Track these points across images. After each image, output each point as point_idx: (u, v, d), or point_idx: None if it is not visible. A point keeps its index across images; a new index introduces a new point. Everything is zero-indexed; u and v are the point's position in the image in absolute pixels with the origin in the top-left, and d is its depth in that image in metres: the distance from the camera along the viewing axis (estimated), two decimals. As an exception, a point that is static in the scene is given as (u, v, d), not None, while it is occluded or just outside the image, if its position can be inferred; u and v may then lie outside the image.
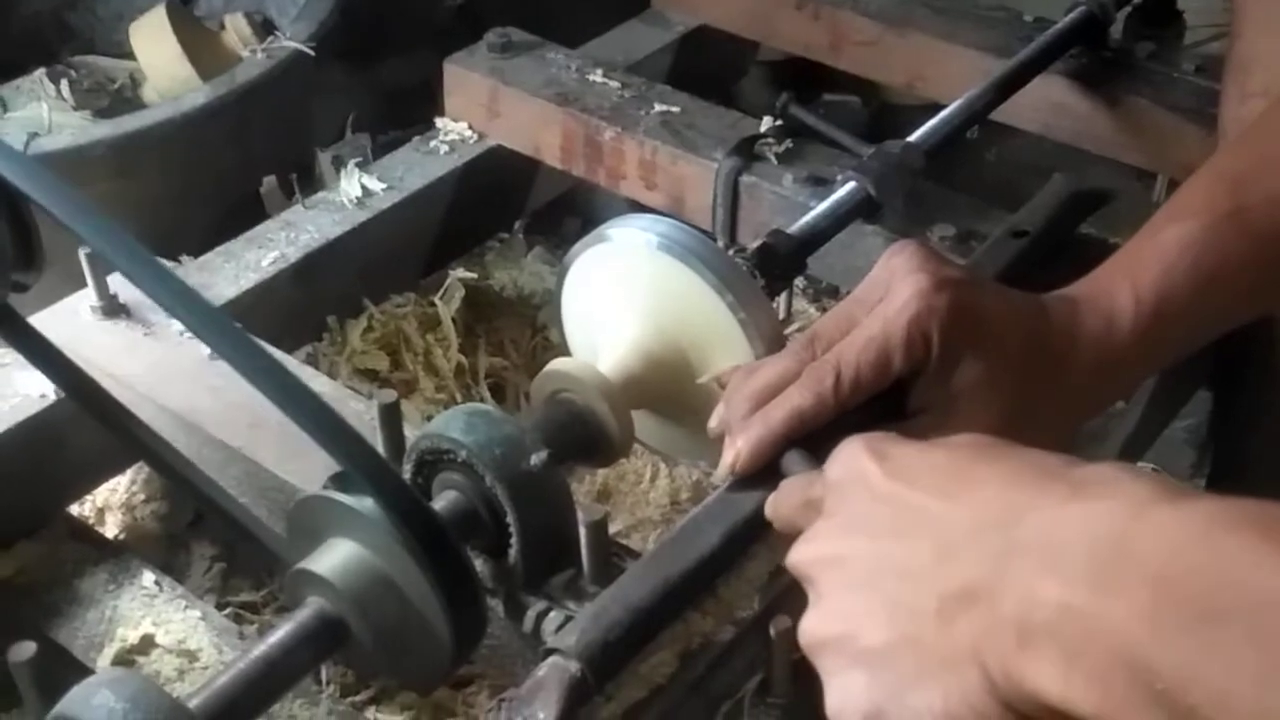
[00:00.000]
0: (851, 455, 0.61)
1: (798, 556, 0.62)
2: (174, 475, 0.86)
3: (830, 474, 0.62)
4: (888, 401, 0.74)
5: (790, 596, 0.76)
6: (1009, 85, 1.11)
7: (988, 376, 0.73)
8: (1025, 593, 0.49)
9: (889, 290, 0.74)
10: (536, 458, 0.74)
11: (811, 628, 0.59)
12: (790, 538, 0.67)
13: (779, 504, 0.69)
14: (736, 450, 0.73)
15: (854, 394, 0.72)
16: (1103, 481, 0.51)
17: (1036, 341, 0.74)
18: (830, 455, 0.63)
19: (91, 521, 1.07)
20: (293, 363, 1.01)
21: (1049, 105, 1.23)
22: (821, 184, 1.07)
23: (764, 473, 0.73)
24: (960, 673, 0.52)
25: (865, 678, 0.56)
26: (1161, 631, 0.45)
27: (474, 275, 1.32)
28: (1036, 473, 0.54)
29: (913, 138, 1.03)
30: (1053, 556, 0.49)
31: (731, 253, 0.86)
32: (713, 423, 0.76)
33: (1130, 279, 0.76)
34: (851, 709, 0.56)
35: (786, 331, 0.88)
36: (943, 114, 1.07)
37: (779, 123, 1.15)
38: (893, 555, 0.56)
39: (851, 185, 0.98)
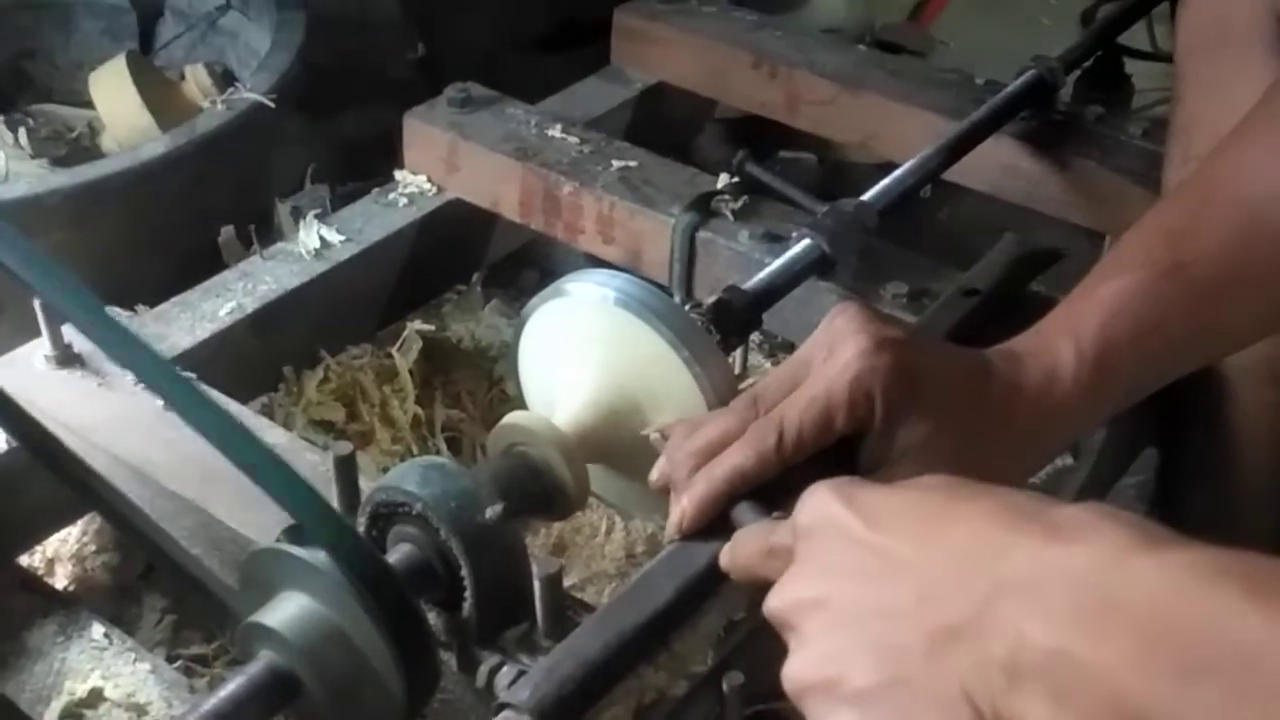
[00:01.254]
0: (820, 501, 0.62)
1: (776, 602, 0.61)
2: (126, 526, 0.86)
3: (800, 520, 0.62)
4: (836, 460, 0.74)
5: (744, 651, 0.76)
6: (960, 146, 1.13)
7: (932, 433, 0.74)
8: (1012, 634, 0.50)
9: (831, 351, 0.74)
10: (491, 511, 0.73)
11: (797, 672, 0.59)
12: (752, 588, 0.67)
13: (736, 553, 0.70)
14: (682, 508, 0.74)
15: (796, 452, 0.73)
16: (1080, 525, 0.51)
17: (979, 397, 0.75)
18: (798, 502, 0.63)
19: (41, 572, 1.06)
20: (248, 414, 1.01)
21: (999, 166, 1.24)
22: (777, 240, 1.08)
23: (714, 527, 0.73)
24: (951, 711, 0.52)
25: (854, 719, 0.56)
26: (1148, 681, 0.45)
27: (431, 327, 1.32)
28: (1012, 513, 0.54)
29: (866, 196, 1.04)
30: (1037, 598, 0.50)
31: (687, 308, 0.87)
32: (653, 475, 0.77)
33: (1072, 332, 0.77)
34: None
35: (742, 386, 0.89)
36: (896, 173, 1.08)
37: (735, 179, 1.15)
38: (875, 597, 0.57)
39: (806, 242, 0.99)
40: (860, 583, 0.58)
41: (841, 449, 0.75)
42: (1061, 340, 0.77)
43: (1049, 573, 0.50)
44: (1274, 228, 0.78)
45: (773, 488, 0.73)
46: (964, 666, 0.52)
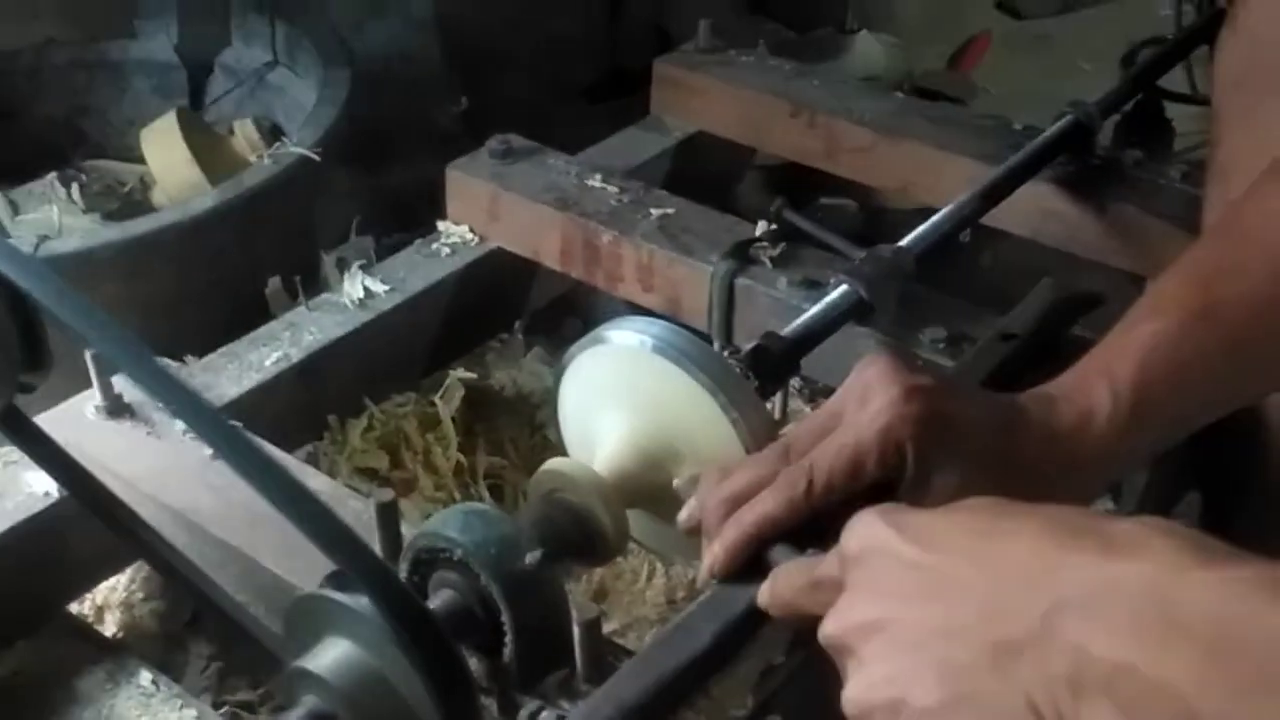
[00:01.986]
0: (869, 527, 0.62)
1: (832, 628, 0.62)
2: (173, 574, 0.87)
3: (848, 547, 0.63)
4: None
5: (782, 695, 0.76)
6: (998, 191, 1.13)
7: (965, 480, 0.74)
8: (1075, 649, 0.50)
9: (863, 401, 0.75)
10: (531, 557, 0.74)
11: (859, 695, 0.59)
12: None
13: (777, 590, 0.70)
14: (714, 554, 0.74)
15: (825, 498, 0.73)
16: (1135, 540, 0.52)
17: (1012, 442, 0.75)
18: (844, 530, 0.63)
19: (90, 620, 1.07)
20: (292, 462, 1.01)
21: (1039, 211, 1.24)
22: (815, 287, 1.08)
23: (749, 571, 0.74)
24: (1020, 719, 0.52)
25: None
26: (1215, 698, 0.46)
27: (474, 375, 1.32)
28: (1066, 529, 0.55)
29: (904, 242, 1.05)
30: (1097, 614, 0.50)
31: (725, 354, 0.87)
32: (681, 516, 0.78)
33: (1107, 375, 0.77)
34: None
35: (781, 432, 0.89)
36: (933, 219, 1.08)
37: (773, 227, 1.16)
38: (933, 617, 0.57)
39: (844, 288, 1.00)
40: (917, 604, 0.58)
41: (873, 496, 0.75)
42: (1097, 383, 0.77)
43: (1107, 589, 0.51)
44: None
45: (803, 534, 0.73)
46: (1029, 681, 0.52)
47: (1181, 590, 0.49)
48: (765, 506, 0.74)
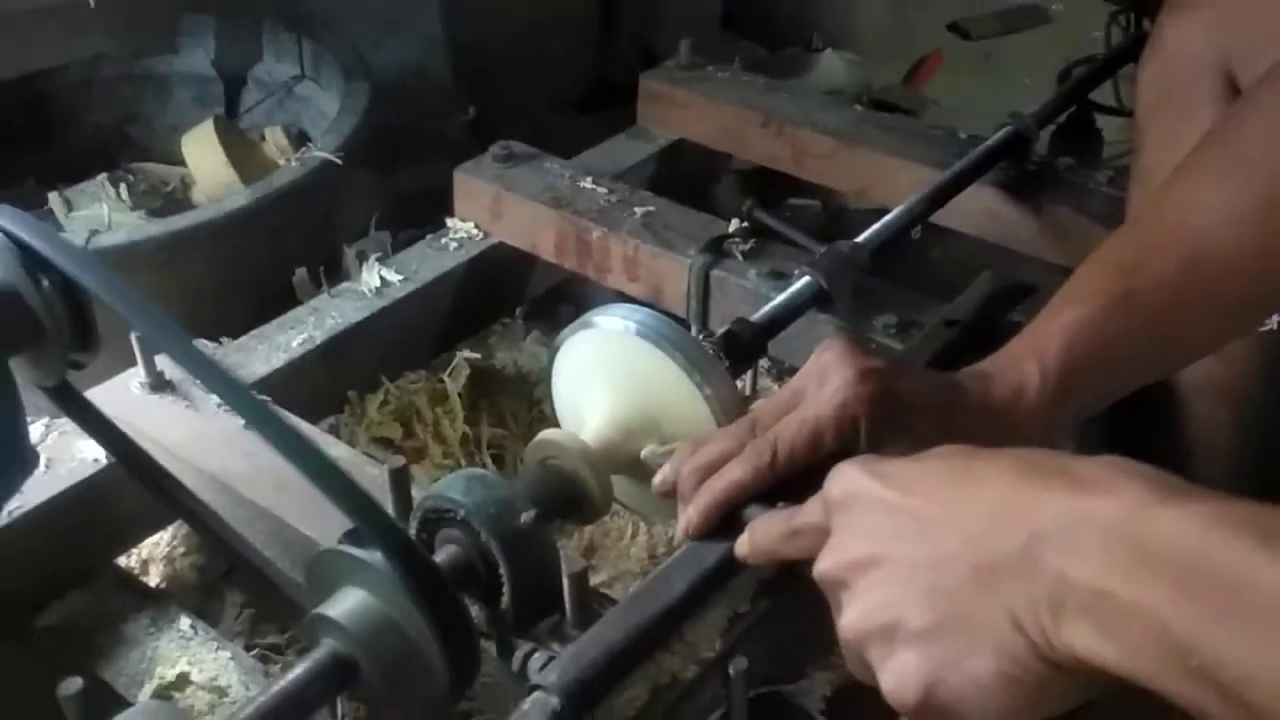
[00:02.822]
0: (850, 476, 0.62)
1: (825, 565, 0.61)
2: (208, 531, 0.87)
3: (832, 494, 0.63)
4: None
5: (748, 639, 0.77)
6: (944, 194, 1.14)
7: (912, 449, 0.74)
8: (1055, 575, 0.50)
9: (821, 380, 0.75)
10: (526, 516, 0.74)
11: (854, 622, 0.59)
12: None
13: (756, 539, 0.70)
14: (689, 516, 0.75)
15: (788, 467, 0.74)
16: (1099, 479, 0.52)
17: (953, 415, 0.76)
18: (826, 480, 0.63)
19: (136, 572, 1.07)
20: (315, 432, 1.02)
21: (982, 211, 1.24)
22: (781, 278, 1.09)
23: (718, 530, 0.74)
24: (1006, 641, 0.53)
25: (917, 657, 0.56)
26: (1188, 624, 0.46)
27: (478, 356, 1.32)
28: (1035, 469, 0.55)
29: (860, 238, 1.05)
30: (1072, 545, 0.50)
31: (701, 338, 0.88)
32: (655, 481, 0.78)
33: (1036, 355, 0.77)
34: (909, 686, 0.56)
35: (750, 407, 0.90)
36: (887, 218, 1.09)
37: (745, 224, 1.16)
38: (921, 550, 0.57)
39: (806, 279, 1.00)
40: (905, 541, 0.58)
41: (831, 465, 0.75)
42: (1027, 361, 0.77)
43: (1080, 522, 0.50)
44: (1212, 257, 0.78)
45: (768, 499, 0.74)
46: (1012, 601, 0.52)
47: (1149, 524, 0.48)
48: (734, 474, 0.74)
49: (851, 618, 0.59)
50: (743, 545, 0.71)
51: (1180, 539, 0.48)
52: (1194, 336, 0.83)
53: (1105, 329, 0.77)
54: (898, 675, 0.57)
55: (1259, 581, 0.45)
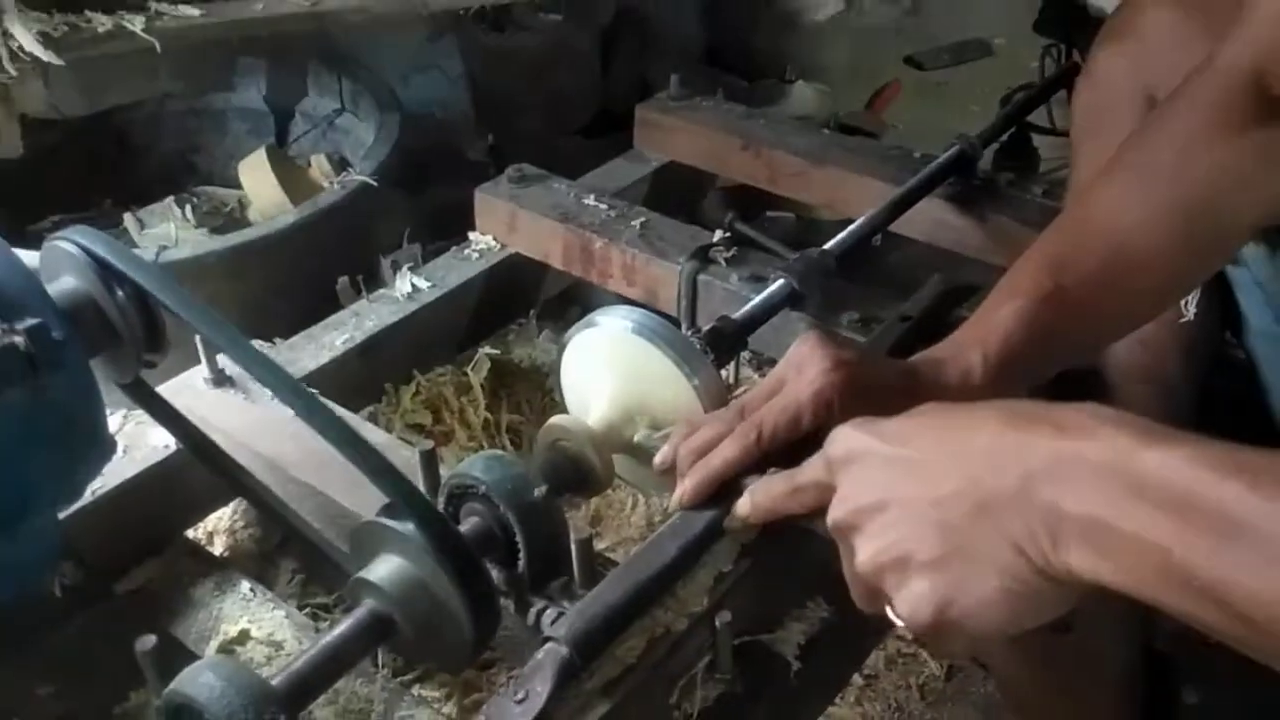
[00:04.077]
0: (849, 436, 0.62)
1: (839, 513, 0.60)
2: (264, 506, 0.87)
3: (833, 454, 0.62)
4: (805, 452, 0.75)
5: (731, 596, 0.77)
6: (901, 206, 1.13)
7: None
8: (1050, 506, 0.50)
9: (799, 370, 0.76)
10: (539, 491, 0.75)
11: (870, 558, 0.58)
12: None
13: (757, 500, 0.69)
14: (685, 489, 0.75)
15: (771, 445, 0.74)
16: (1082, 424, 0.51)
17: (911, 396, 0.75)
18: (825, 442, 0.63)
19: (203, 542, 1.07)
20: (356, 419, 1.01)
21: (933, 221, 1.24)
22: (759, 281, 1.08)
23: (711, 501, 0.75)
24: (1009, 558, 0.52)
25: (928, 583, 0.55)
26: (1187, 553, 0.46)
27: (498, 351, 1.32)
28: (1018, 416, 0.54)
29: (828, 246, 1.05)
30: (1064, 481, 0.50)
31: (689, 334, 0.87)
32: (656, 460, 0.78)
33: (980, 343, 0.77)
34: (923, 609, 0.56)
35: (736, 393, 0.90)
36: (851, 228, 1.09)
37: (728, 235, 1.16)
38: (924, 492, 0.56)
39: (781, 281, 1.00)
40: (908, 485, 0.57)
41: (808, 444, 0.75)
42: (972, 350, 0.77)
43: (1070, 461, 0.50)
44: (1130, 255, 0.78)
45: (755, 471, 0.74)
46: (1012, 529, 0.52)
47: (1135, 464, 0.48)
48: (726, 452, 0.74)
49: (866, 555, 0.58)
50: (744, 506, 0.70)
51: (1171, 476, 0.47)
52: (1114, 323, 0.83)
53: (1037, 321, 0.77)
54: (912, 601, 0.56)
55: (1250, 520, 0.45)
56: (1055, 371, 0.83)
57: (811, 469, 0.65)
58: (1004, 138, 1.40)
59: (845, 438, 0.62)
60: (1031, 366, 0.79)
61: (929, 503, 0.56)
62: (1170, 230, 0.78)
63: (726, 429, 0.76)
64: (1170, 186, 0.78)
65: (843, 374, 0.74)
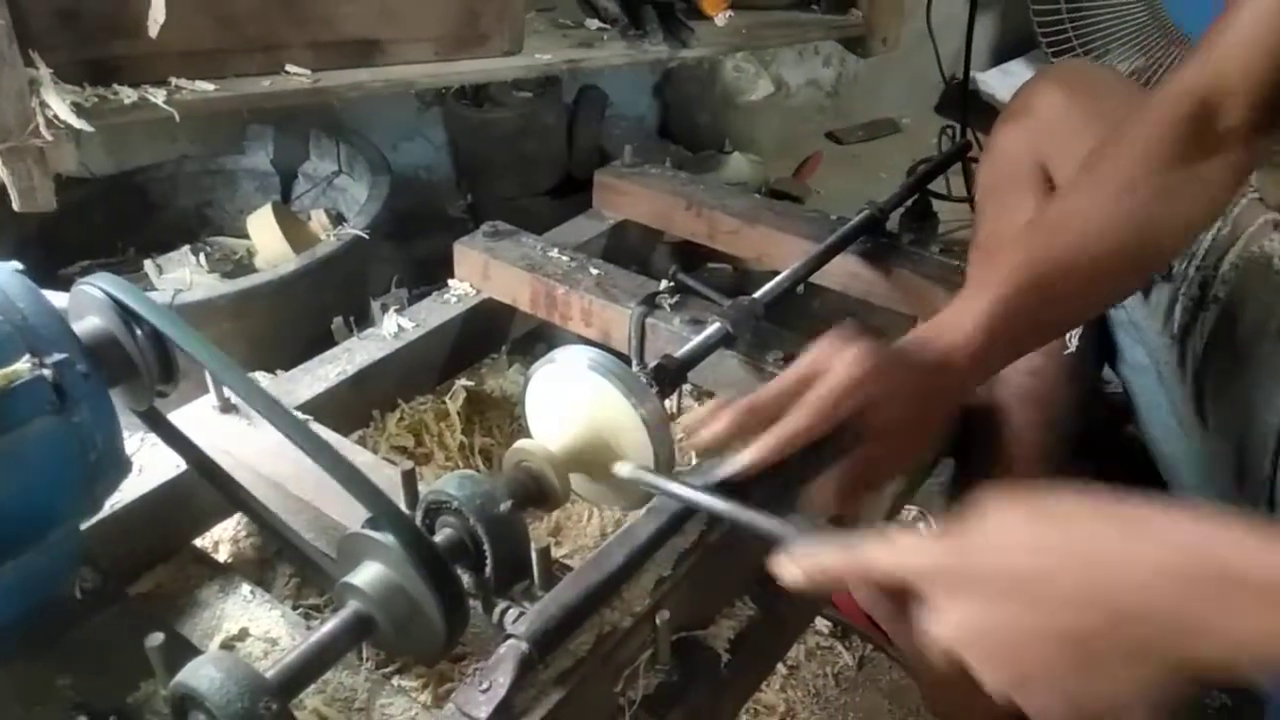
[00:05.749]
0: (926, 561, 0.55)
1: (950, 633, 0.54)
2: (262, 520, 0.86)
3: (914, 578, 0.55)
4: (833, 436, 0.74)
5: (671, 597, 0.77)
6: (821, 260, 1.14)
7: (899, 411, 0.75)
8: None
9: (839, 355, 0.74)
10: (504, 506, 0.75)
11: (992, 684, 0.53)
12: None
13: (814, 572, 0.60)
14: (752, 454, 0.73)
15: (823, 423, 0.72)
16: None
17: (918, 376, 0.76)
18: (898, 550, 0.56)
19: (208, 550, 1.06)
20: (345, 443, 1.01)
21: (847, 273, 1.25)
22: (698, 324, 1.09)
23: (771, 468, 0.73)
24: (1149, 676, 0.50)
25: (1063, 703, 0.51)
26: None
27: (473, 383, 1.32)
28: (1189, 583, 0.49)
29: (757, 294, 1.06)
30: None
31: (638, 370, 0.88)
32: (705, 435, 0.75)
33: (961, 329, 0.77)
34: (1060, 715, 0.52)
35: (675, 422, 0.90)
36: (778, 279, 1.09)
37: (672, 284, 1.16)
38: (1019, 616, 0.51)
39: (716, 324, 1.01)
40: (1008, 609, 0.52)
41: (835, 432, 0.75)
42: (960, 330, 0.77)
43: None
44: (1091, 255, 0.78)
45: (792, 465, 0.72)
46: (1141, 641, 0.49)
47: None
48: (789, 424, 0.72)
49: (990, 681, 0.53)
50: (796, 571, 0.60)
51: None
52: (1073, 313, 0.84)
53: (1013, 311, 0.77)
54: (1043, 712, 0.52)
55: None
56: (1021, 355, 0.82)
57: (887, 560, 0.56)
58: (908, 203, 1.42)
59: (920, 561, 0.55)
60: (1007, 346, 0.79)
61: (1030, 633, 0.51)
62: (1121, 240, 0.78)
63: (788, 399, 0.73)
64: (1118, 202, 0.79)
65: (874, 360, 0.73)
